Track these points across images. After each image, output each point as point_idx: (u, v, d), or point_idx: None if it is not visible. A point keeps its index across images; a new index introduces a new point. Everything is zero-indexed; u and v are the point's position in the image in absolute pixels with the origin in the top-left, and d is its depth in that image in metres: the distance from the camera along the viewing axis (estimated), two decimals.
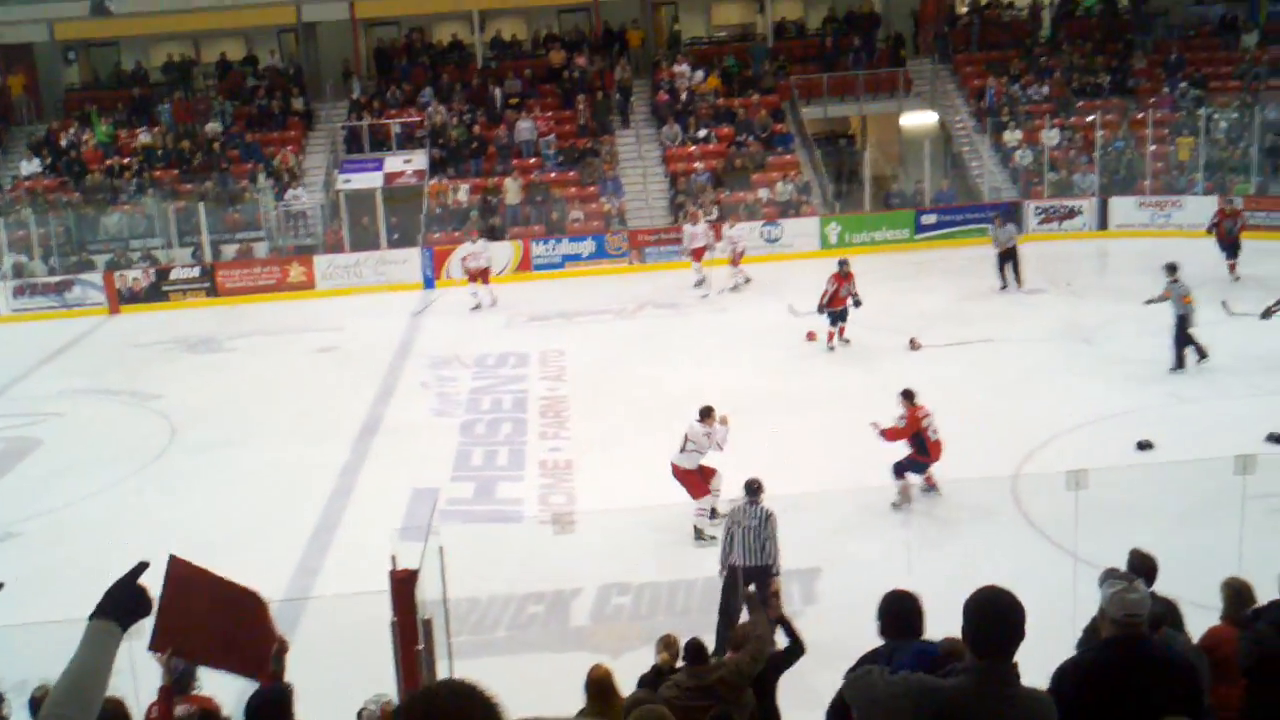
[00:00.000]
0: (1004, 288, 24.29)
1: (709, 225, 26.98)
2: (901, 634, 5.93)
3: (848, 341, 20.74)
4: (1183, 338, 18.14)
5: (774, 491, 12.90)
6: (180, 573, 8.10)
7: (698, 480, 13.59)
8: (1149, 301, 19.09)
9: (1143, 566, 7.78)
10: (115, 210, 29.84)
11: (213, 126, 31.87)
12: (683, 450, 13.61)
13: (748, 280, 25.96)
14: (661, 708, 5.80)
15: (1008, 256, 24.45)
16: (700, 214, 27.89)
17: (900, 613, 6.01)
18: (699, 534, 13.35)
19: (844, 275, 20.65)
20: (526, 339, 22.81)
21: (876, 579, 6.77)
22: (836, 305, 20.58)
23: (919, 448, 13.61)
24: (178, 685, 7.87)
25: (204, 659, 7.81)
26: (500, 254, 28.15)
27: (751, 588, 9.15)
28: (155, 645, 7.65)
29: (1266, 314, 17.44)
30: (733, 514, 11.01)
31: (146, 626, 8.25)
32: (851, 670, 4.69)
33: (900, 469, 13.63)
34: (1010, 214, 27.67)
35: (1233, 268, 23.68)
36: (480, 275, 25.68)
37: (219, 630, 8.01)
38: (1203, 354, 18.10)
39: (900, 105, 34.00)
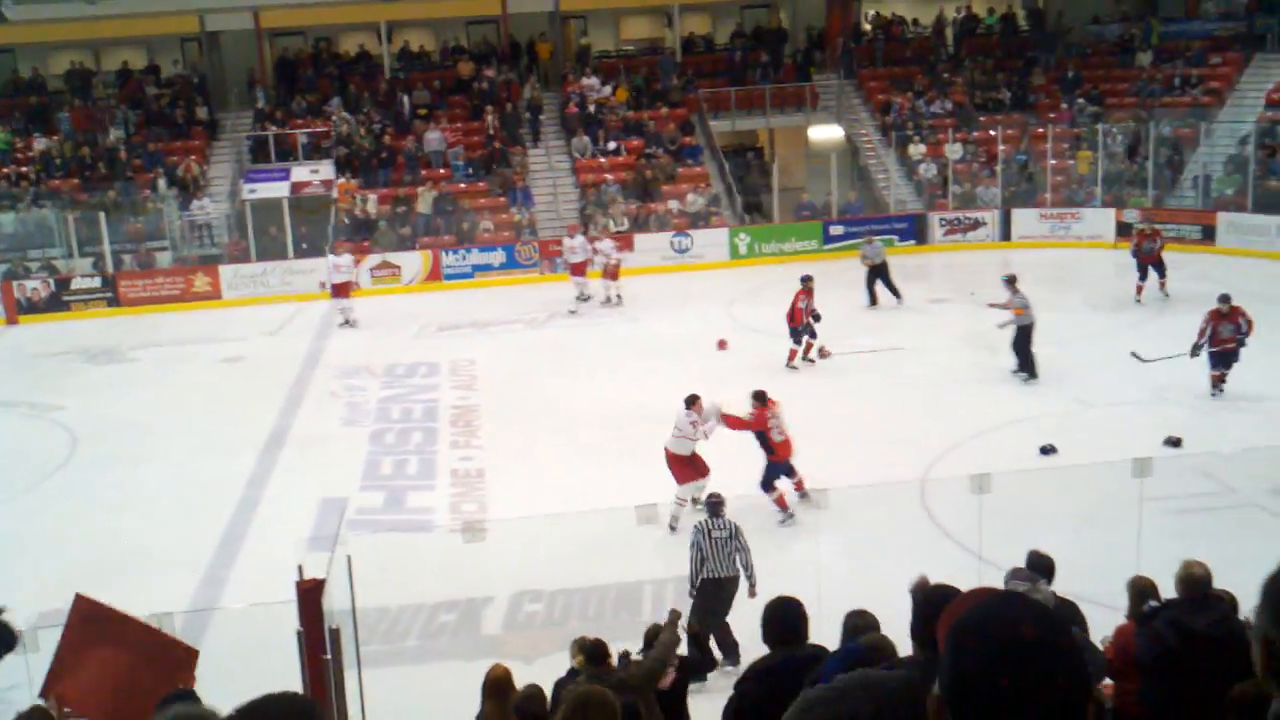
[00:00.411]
0: (873, 304, 24.36)
1: (587, 239, 26.37)
2: (787, 641, 5.97)
3: (812, 361, 20.35)
4: (1025, 345, 18.81)
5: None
6: (88, 612, 7.86)
7: (687, 467, 13.85)
8: (992, 305, 19.64)
9: (1041, 566, 7.96)
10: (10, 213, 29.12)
11: (114, 134, 31.28)
12: (675, 436, 14.02)
13: (619, 298, 25.45)
14: (597, 688, 5.81)
15: (877, 273, 24.48)
16: (578, 227, 27.51)
17: (785, 619, 6.06)
18: (674, 522, 13.51)
19: (807, 290, 20.17)
20: (437, 348, 22.69)
21: (786, 587, 6.83)
22: (798, 322, 20.08)
23: (765, 447, 13.93)
24: None
25: (94, 714, 7.51)
26: (411, 263, 28.01)
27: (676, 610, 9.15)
28: (45, 692, 7.42)
29: (1195, 350, 17.19)
30: (699, 530, 11.11)
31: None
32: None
33: (768, 483, 13.86)
34: (877, 233, 28.21)
35: (1146, 289, 23.69)
36: (343, 290, 25.03)
37: (129, 679, 7.70)
38: (1033, 373, 18.70)
39: (808, 119, 34.39)
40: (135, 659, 7.62)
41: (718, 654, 10.47)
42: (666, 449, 14.04)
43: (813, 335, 20.22)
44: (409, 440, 17.82)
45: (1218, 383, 17.25)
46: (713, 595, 10.84)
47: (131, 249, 28.70)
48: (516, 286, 27.57)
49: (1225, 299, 17.35)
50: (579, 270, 25.66)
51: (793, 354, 20.26)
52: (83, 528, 14.72)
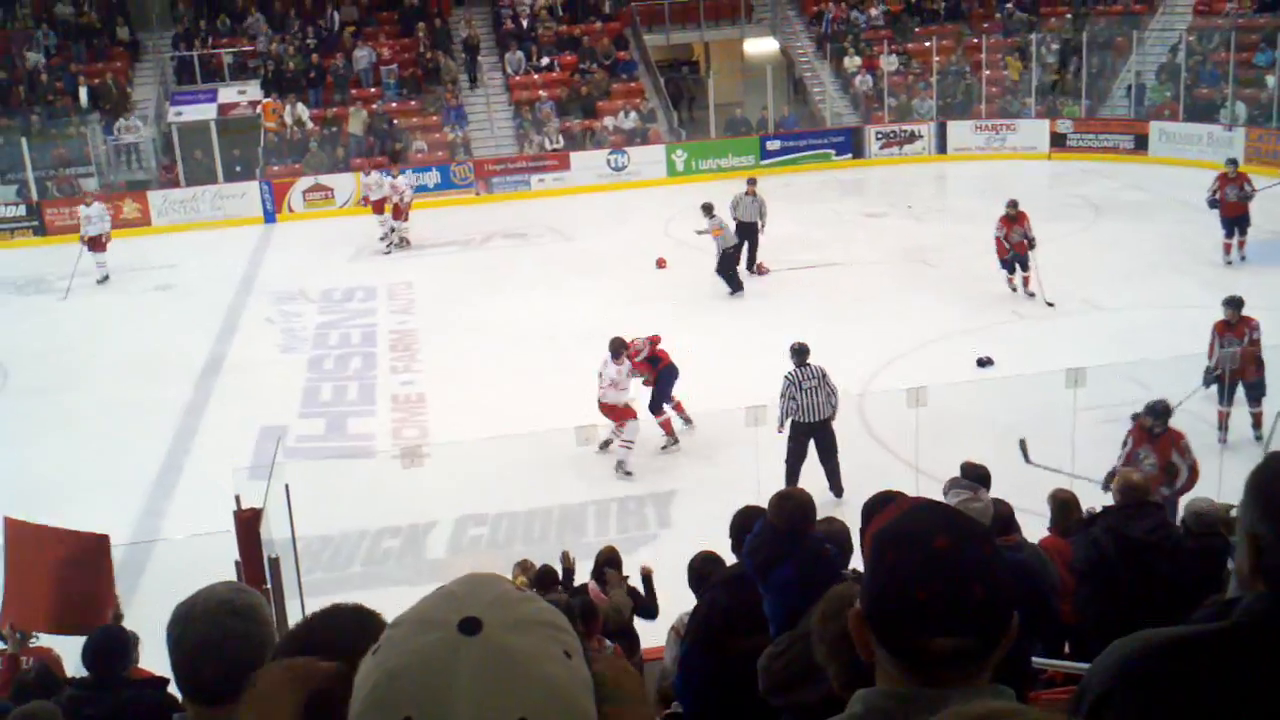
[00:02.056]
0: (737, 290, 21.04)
1: (381, 175, 24.78)
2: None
3: (1032, 295, 18.11)
4: (729, 266, 19.69)
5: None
6: (17, 534, 7.92)
7: (625, 411, 13.60)
8: (699, 233, 20.12)
9: (975, 475, 8.06)
10: None
11: (33, 57, 30.38)
12: (607, 388, 13.52)
13: (404, 241, 24.08)
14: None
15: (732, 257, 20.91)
16: (369, 164, 26.27)
17: (747, 528, 6.10)
18: (620, 466, 13.40)
19: (1011, 218, 18.00)
20: (373, 272, 22.46)
21: (729, 502, 6.88)
22: (1001, 254, 18.10)
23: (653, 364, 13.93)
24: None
25: (48, 627, 7.66)
26: (344, 185, 27.61)
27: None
28: (1, 621, 7.51)
29: (1209, 379, 13.70)
30: (791, 383, 12.20)
31: None
32: None
33: (656, 407, 13.90)
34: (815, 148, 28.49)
35: (1229, 248, 19.73)
36: (381, 207, 24.33)
37: (63, 586, 7.85)
38: (737, 286, 19.69)
39: (743, 32, 34.12)
40: (63, 562, 7.80)
41: None
42: (601, 402, 13.58)
43: (1024, 266, 18.15)
44: (348, 366, 17.69)
45: (1223, 420, 13.14)
46: (804, 437, 12.11)
47: (55, 175, 28.02)
48: (452, 207, 27.28)
49: (1233, 303, 13.18)
50: (380, 208, 24.32)
51: (1010, 281, 18.47)
52: (16, 461, 14.49)
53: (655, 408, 13.86)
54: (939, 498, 7.17)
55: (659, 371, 13.88)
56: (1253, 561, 1.96)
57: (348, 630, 1.94)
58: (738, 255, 19.88)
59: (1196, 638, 1.83)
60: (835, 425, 12.29)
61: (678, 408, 13.96)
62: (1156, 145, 27.67)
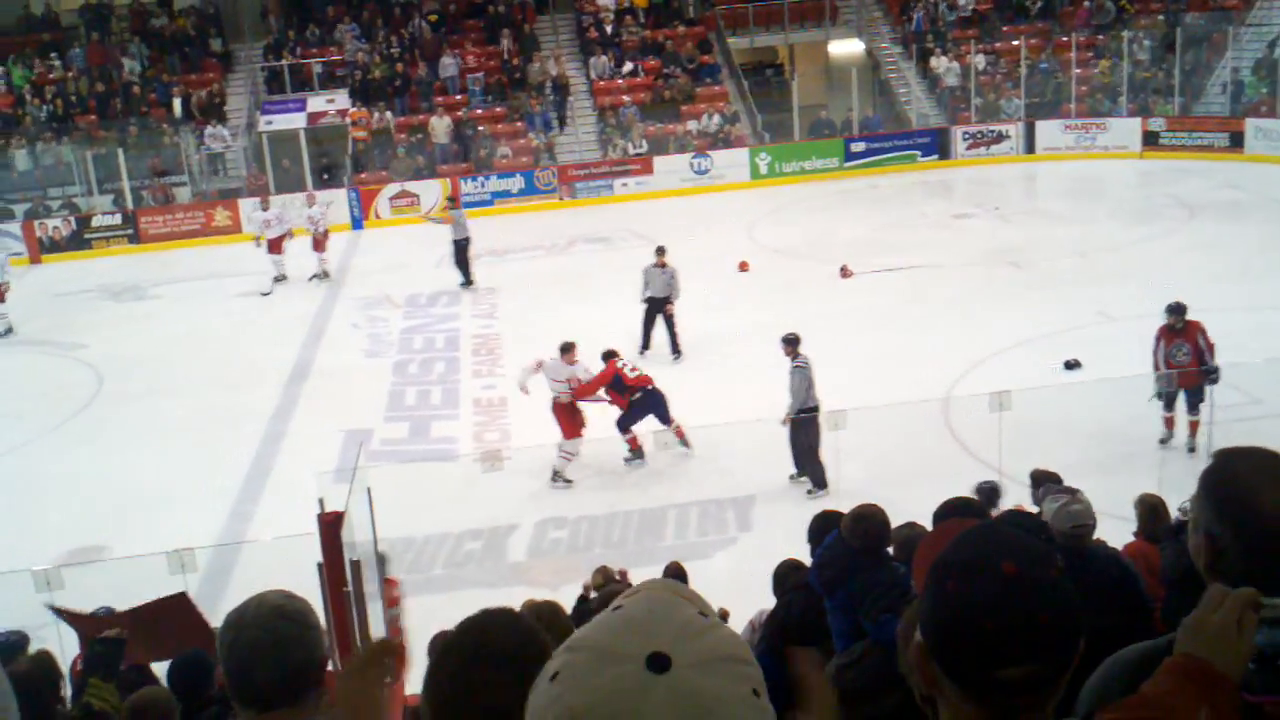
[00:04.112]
0: (469, 283, 21.81)
1: (281, 210, 23.28)
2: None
3: (1192, 450, 12.63)
4: (461, 257, 21.19)
5: (710, 420, 13.05)
6: (167, 610, 8.02)
7: (568, 420, 13.67)
8: (430, 219, 21.97)
9: (1044, 480, 7.89)
10: (30, 147, 29.06)
11: (129, 69, 31.10)
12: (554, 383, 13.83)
13: (326, 275, 22.97)
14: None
15: (464, 248, 21.83)
16: (269, 197, 24.51)
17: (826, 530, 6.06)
18: (556, 476, 13.41)
19: (1174, 329, 12.87)
20: (458, 277, 22.61)
21: (810, 503, 6.83)
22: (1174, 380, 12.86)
23: (619, 390, 13.68)
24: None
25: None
26: (429, 191, 27.90)
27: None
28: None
29: (1208, 374, 12.72)
30: (801, 366, 12.68)
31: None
32: None
33: (623, 426, 13.80)
34: (901, 148, 28.66)
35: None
36: (276, 246, 22.62)
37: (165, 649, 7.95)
38: (470, 280, 21.16)
39: (827, 34, 33.91)
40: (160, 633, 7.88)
41: None
42: (555, 402, 13.81)
43: (1192, 407, 12.84)
44: (432, 370, 17.84)
45: (1169, 425, 12.78)
46: (812, 423, 12.36)
47: (150, 185, 28.67)
48: (536, 212, 27.44)
49: (1175, 310, 12.84)
50: (277, 247, 22.63)
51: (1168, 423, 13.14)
52: (109, 465, 14.83)
53: (622, 426, 13.78)
54: (1026, 503, 7.06)
55: (631, 399, 13.72)
56: (1208, 561, 1.94)
57: (512, 640, 1.94)
58: (469, 247, 21.31)
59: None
60: (921, 428, 12.21)
61: (678, 433, 13.66)
62: (1252, 143, 26.99)
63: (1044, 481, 7.80)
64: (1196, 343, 12.59)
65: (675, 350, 17.17)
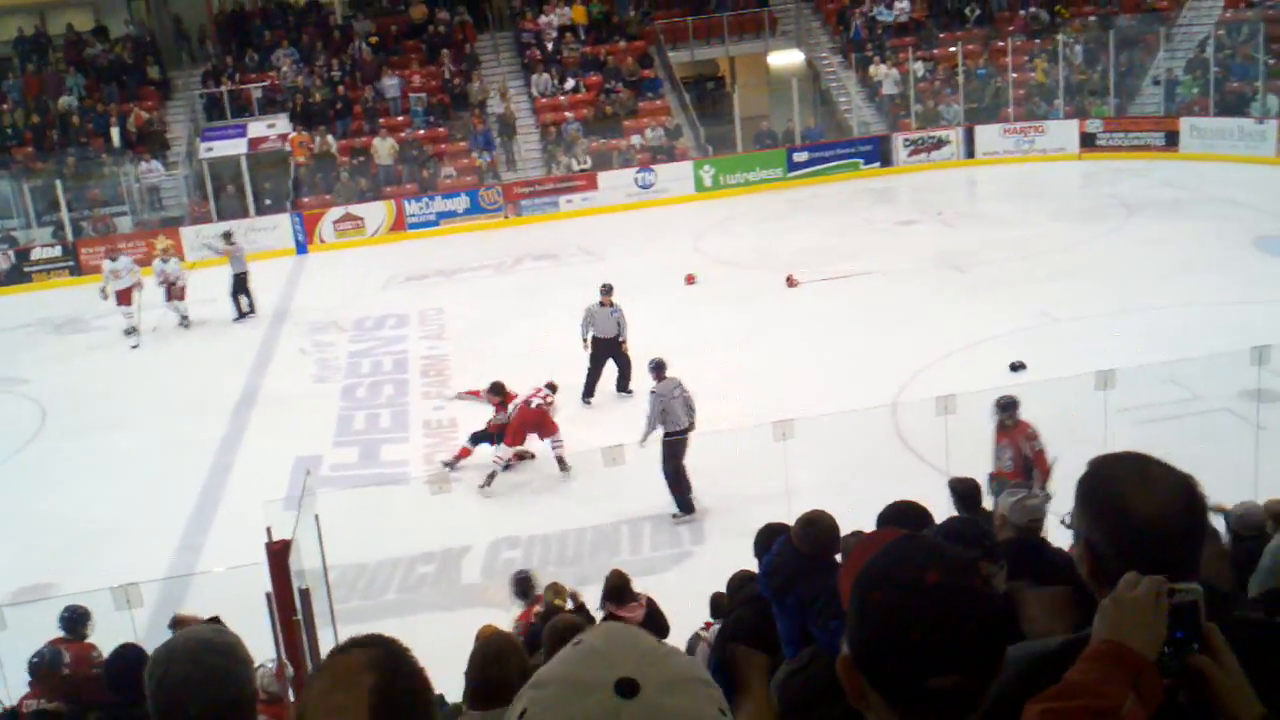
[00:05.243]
0: (243, 315, 22.11)
1: (133, 260, 22.54)
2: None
3: None
4: (240, 289, 21.88)
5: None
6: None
7: (517, 430, 14.00)
8: (212, 248, 23.12)
9: (962, 489, 8.00)
10: None
11: (65, 100, 30.76)
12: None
13: (185, 319, 21.97)
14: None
15: (244, 281, 22.15)
16: (119, 248, 23.68)
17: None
18: (489, 480, 13.68)
19: (1005, 426, 11.13)
20: (404, 299, 22.54)
21: (762, 516, 6.85)
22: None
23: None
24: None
25: None
26: (374, 214, 27.80)
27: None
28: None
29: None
30: (662, 392, 12.96)
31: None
32: None
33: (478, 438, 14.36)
34: (842, 157, 28.90)
35: None
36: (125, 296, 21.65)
37: None
38: (248, 310, 21.87)
39: (767, 45, 34.10)
40: None
41: None
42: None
43: None
44: (380, 393, 17.74)
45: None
46: (680, 446, 12.68)
47: (89, 216, 28.35)
48: (482, 231, 27.38)
49: (1001, 406, 11.05)
50: (126, 298, 21.60)
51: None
52: (57, 500, 14.63)
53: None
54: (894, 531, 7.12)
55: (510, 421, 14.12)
56: (1090, 568, 1.96)
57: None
58: (248, 280, 21.94)
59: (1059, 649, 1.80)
60: (870, 435, 12.27)
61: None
62: (1188, 141, 27.40)
63: (960, 491, 7.93)
64: (1020, 448, 10.79)
65: (624, 387, 16.23)
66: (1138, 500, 1.97)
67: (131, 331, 21.56)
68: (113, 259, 22.14)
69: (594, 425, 14.74)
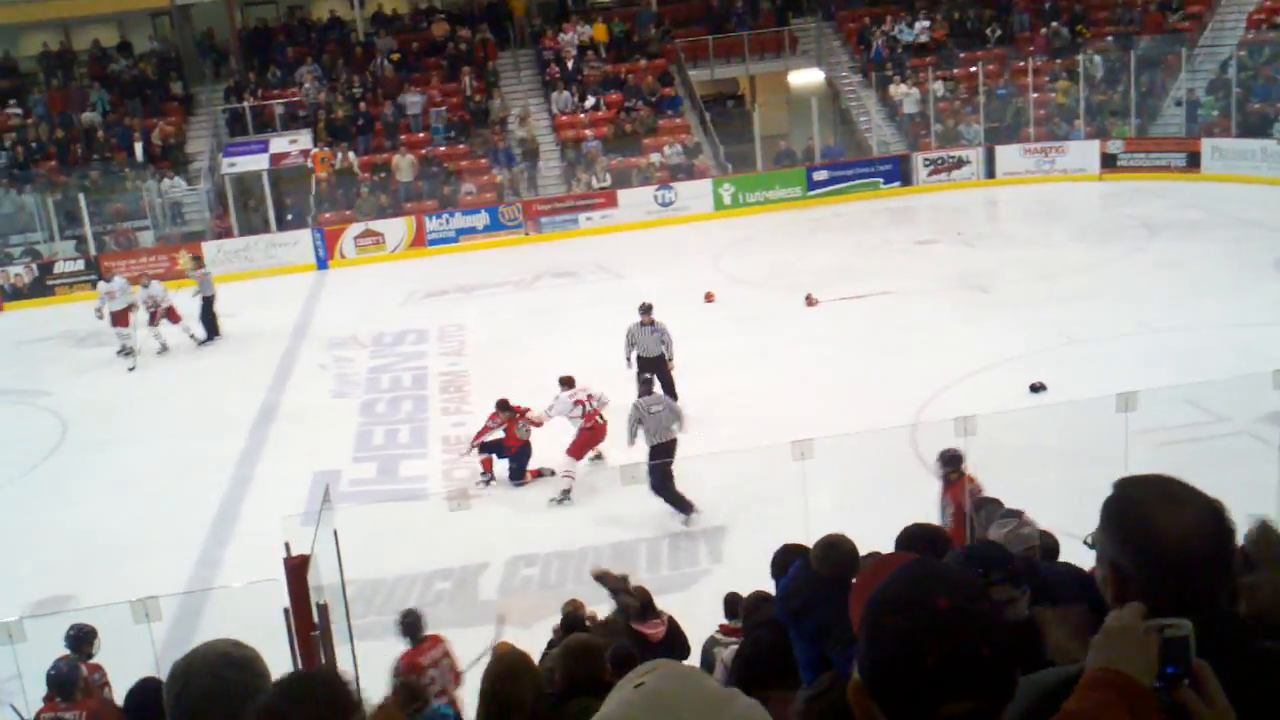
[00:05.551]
0: (210, 338, 21.97)
1: (127, 280, 22.31)
2: None
3: None
4: (207, 314, 21.75)
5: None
6: None
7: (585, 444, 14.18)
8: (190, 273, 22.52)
9: (924, 534, 7.89)
10: None
11: (89, 115, 30.99)
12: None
13: (165, 348, 21.54)
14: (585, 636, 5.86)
15: (209, 304, 21.99)
16: (113, 269, 23.64)
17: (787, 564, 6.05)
18: (565, 495, 13.81)
19: (949, 481, 10.42)
20: (424, 315, 22.60)
21: (780, 536, 6.83)
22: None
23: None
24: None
25: None
26: (394, 230, 27.92)
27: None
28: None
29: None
30: (639, 404, 13.24)
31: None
32: None
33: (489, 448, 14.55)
34: (863, 175, 28.97)
35: None
36: (121, 318, 21.49)
37: None
38: (210, 336, 21.72)
39: (787, 64, 34.16)
40: None
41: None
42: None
43: None
44: (399, 409, 17.77)
45: None
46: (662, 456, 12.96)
47: (113, 229, 28.54)
48: (501, 248, 27.45)
49: (944, 459, 10.37)
50: (123, 320, 21.42)
51: None
52: (77, 513, 14.69)
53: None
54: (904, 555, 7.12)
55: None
56: (1115, 590, 1.95)
57: (319, 707, 1.92)
58: (214, 304, 21.86)
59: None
60: (889, 456, 12.24)
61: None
62: (1209, 162, 27.31)
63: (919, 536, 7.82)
64: (961, 504, 9.91)
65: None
66: (1166, 523, 1.96)
67: (128, 353, 21.32)
68: (107, 280, 22.25)
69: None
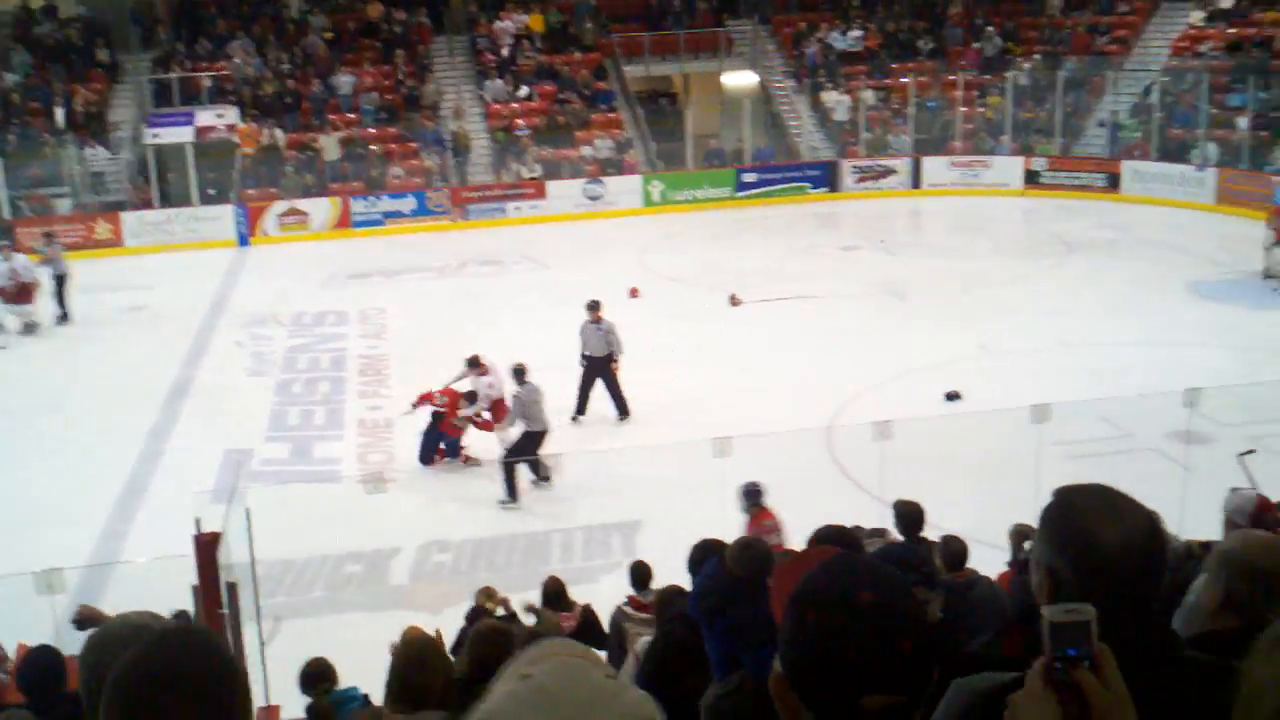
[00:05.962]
0: (64, 318, 21.32)
1: (27, 260, 21.41)
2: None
3: None
4: (59, 291, 21.11)
5: (600, 446, 13.10)
6: None
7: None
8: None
9: (907, 515, 8.04)
10: None
11: (10, 78, 30.25)
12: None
13: (32, 326, 20.78)
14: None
15: (60, 283, 21.32)
16: (8, 247, 21.81)
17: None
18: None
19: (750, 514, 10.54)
20: (346, 297, 22.38)
21: (695, 532, 6.85)
22: None
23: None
24: None
25: None
26: (319, 210, 27.61)
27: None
28: None
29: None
30: (523, 395, 13.61)
31: None
32: None
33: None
34: (791, 179, 29.05)
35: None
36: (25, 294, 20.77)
37: None
38: (65, 316, 20.92)
39: (721, 65, 34.26)
40: None
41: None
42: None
43: None
44: (316, 390, 17.60)
45: None
46: (531, 444, 13.50)
47: (29, 195, 27.88)
48: (428, 233, 27.26)
49: (748, 492, 10.54)
50: (28, 296, 20.85)
51: None
52: None
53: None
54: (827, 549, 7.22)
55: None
56: (1049, 596, 2.00)
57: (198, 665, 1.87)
58: (67, 282, 21.13)
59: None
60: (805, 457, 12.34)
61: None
62: (1129, 184, 27.88)
63: (905, 515, 7.93)
64: (762, 523, 10.00)
65: (621, 411, 15.60)
66: (1106, 531, 2.02)
67: (31, 328, 20.76)
68: (5, 258, 20.97)
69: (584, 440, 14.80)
